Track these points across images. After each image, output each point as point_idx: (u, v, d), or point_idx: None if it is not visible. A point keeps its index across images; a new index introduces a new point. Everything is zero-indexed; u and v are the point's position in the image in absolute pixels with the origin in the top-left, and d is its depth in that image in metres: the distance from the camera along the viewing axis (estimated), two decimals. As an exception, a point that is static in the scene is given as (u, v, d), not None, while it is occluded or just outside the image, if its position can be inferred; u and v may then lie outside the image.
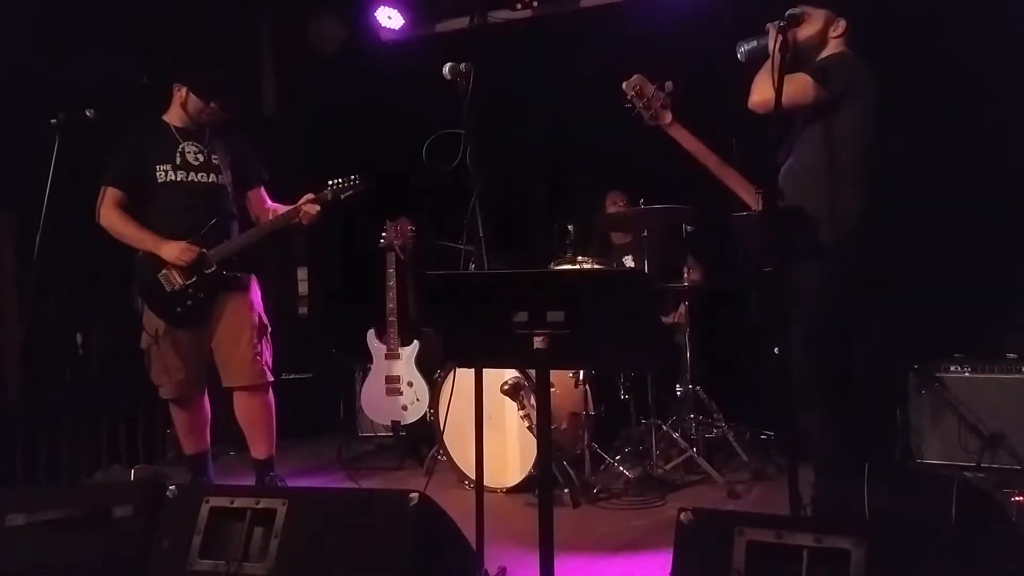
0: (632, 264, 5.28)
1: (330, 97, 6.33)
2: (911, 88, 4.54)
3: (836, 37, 3.31)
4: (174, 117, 4.16)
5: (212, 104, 4.10)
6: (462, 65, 3.28)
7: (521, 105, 5.81)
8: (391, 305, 5.19)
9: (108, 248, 4.16)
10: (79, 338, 4.96)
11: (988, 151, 4.64)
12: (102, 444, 5.08)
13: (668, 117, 3.43)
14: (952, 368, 4.44)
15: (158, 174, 4.05)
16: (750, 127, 3.35)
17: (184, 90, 4.11)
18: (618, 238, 5.70)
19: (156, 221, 4.06)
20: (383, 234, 5.23)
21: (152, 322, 4.08)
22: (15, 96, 4.52)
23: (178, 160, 4.07)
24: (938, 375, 4.46)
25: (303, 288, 6.65)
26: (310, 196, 4.14)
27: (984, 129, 4.64)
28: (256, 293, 4.25)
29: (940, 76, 4.70)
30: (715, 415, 4.87)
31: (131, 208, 4.08)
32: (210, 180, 4.12)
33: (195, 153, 4.11)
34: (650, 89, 3.42)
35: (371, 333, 5.32)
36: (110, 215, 4.05)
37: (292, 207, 4.16)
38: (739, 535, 2.04)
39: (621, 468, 4.38)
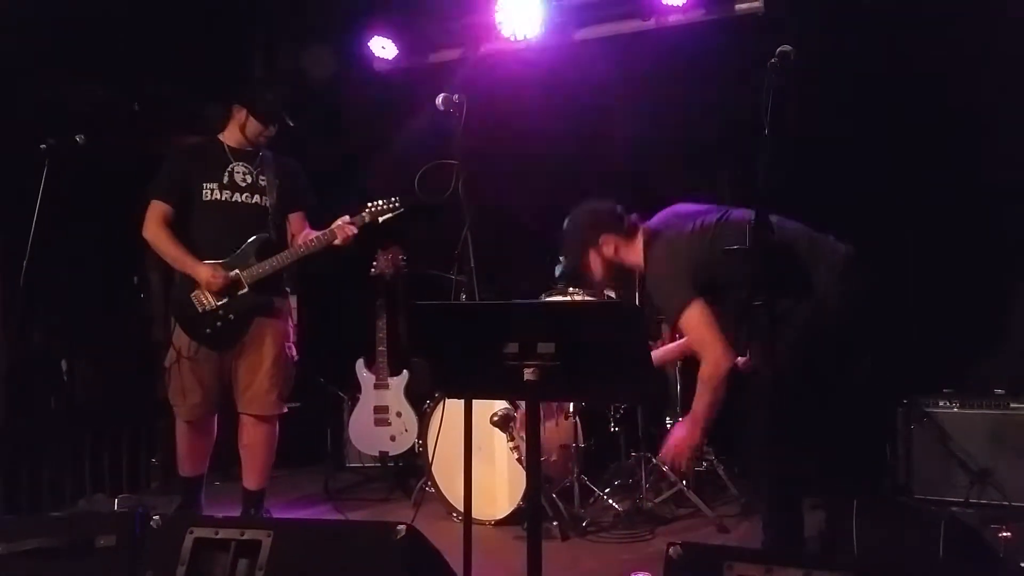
0: (612, 296, 5.30)
1: (323, 125, 6.35)
2: (901, 129, 4.60)
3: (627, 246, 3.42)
4: (230, 137, 4.17)
5: (271, 127, 4.12)
6: (455, 96, 3.31)
7: (514, 136, 5.84)
8: (381, 335, 5.18)
9: (94, 275, 4.15)
10: (64, 365, 4.93)
11: (977, 187, 4.68)
12: (85, 473, 5.02)
13: None
14: (941, 403, 4.44)
15: (204, 192, 4.06)
16: (741, 159, 3.37)
17: (244, 112, 4.12)
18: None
19: (197, 238, 4.07)
20: (374, 263, 5.23)
21: (180, 340, 4.06)
22: (4, 121, 4.52)
23: (225, 180, 4.08)
24: (927, 410, 4.46)
25: (292, 316, 6.62)
26: (346, 218, 4.13)
27: (972, 166, 4.68)
28: (289, 319, 4.24)
29: (929, 117, 4.75)
30: (705, 448, 4.85)
31: (176, 223, 4.09)
32: (253, 201, 4.12)
33: (243, 174, 4.12)
34: None
35: (360, 363, 5.30)
36: (155, 230, 4.05)
37: (327, 230, 4.12)
38: (728, 570, 2.02)
39: (610, 501, 4.36)
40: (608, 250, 3.45)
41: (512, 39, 5.95)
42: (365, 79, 6.45)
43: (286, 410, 4.21)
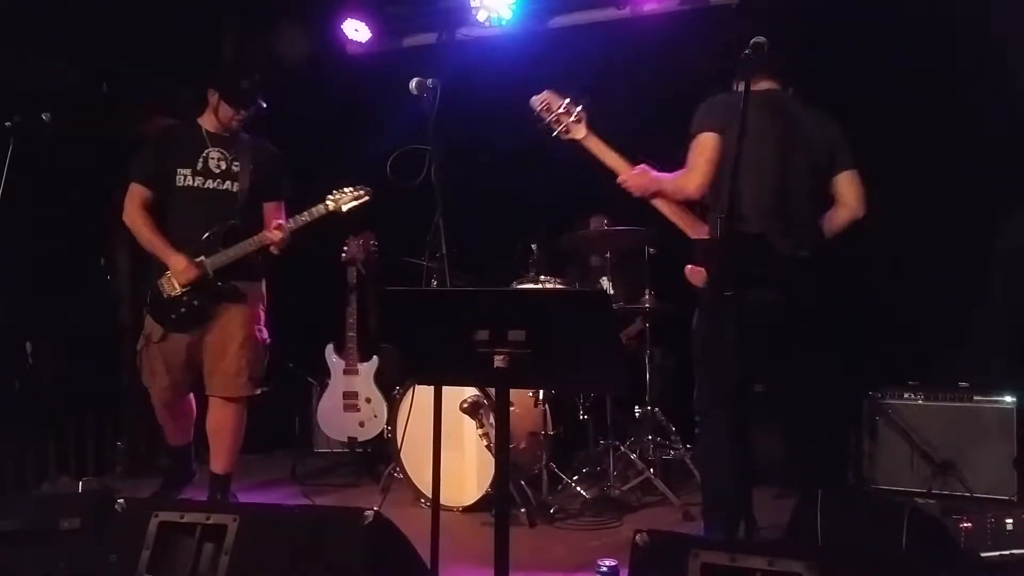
0: (609, 286, 5.31)
1: (294, 108, 6.29)
2: (865, 121, 4.62)
3: None
4: (207, 122, 4.17)
5: (242, 112, 4.12)
6: (429, 81, 3.28)
7: (488, 122, 5.83)
8: (351, 320, 5.16)
9: (61, 256, 4.10)
10: (28, 347, 4.87)
11: (943, 182, 4.73)
12: (50, 455, 4.97)
13: (582, 131, 3.46)
14: (906, 395, 4.50)
15: (178, 177, 4.08)
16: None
17: (216, 96, 4.12)
18: (595, 260, 5.70)
19: (170, 224, 4.10)
20: (345, 248, 5.20)
21: (149, 325, 4.11)
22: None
23: (199, 166, 4.09)
24: (892, 402, 4.52)
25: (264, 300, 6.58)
26: (279, 222, 4.12)
27: (941, 161, 4.73)
28: (258, 304, 4.24)
29: (901, 110, 4.79)
30: (673, 437, 4.89)
31: (153, 207, 4.10)
32: (224, 188, 4.12)
33: (218, 160, 4.13)
34: (559, 103, 3.45)
35: (330, 348, 5.28)
36: (133, 216, 4.09)
37: (261, 234, 4.10)
38: (693, 558, 2.05)
39: (578, 488, 4.38)
40: None
41: (487, 24, 5.94)
42: (338, 62, 6.40)
43: (257, 392, 4.20)
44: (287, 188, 4.33)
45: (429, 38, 6.32)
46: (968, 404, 4.37)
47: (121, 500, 2.50)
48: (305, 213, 4.13)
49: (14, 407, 4.71)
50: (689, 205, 3.41)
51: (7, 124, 3.61)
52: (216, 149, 4.13)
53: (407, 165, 3.33)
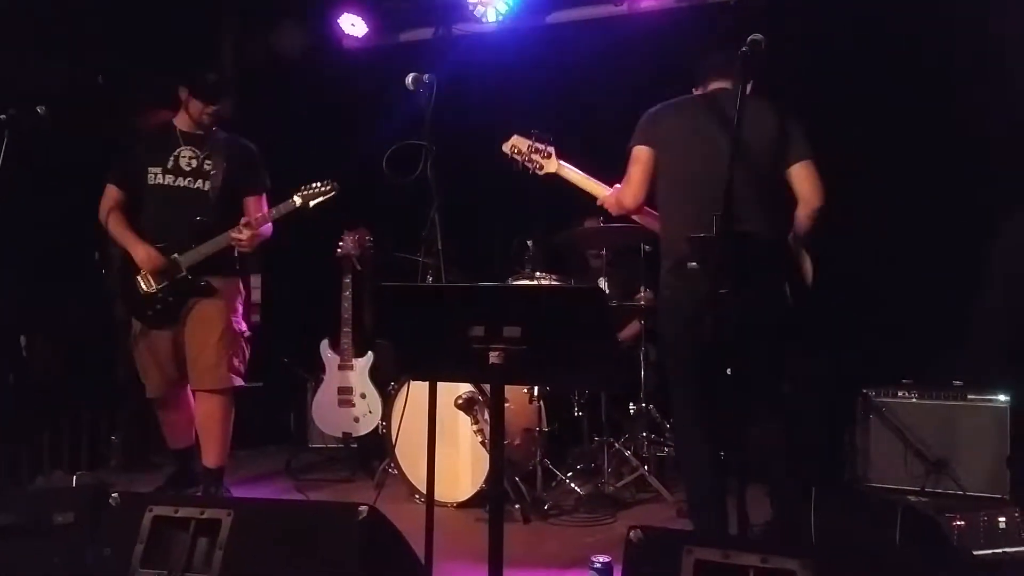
0: (605, 285, 5.32)
1: (291, 103, 6.29)
2: (864, 121, 4.64)
3: None
4: (181, 121, 4.24)
5: (212, 107, 4.17)
6: (425, 76, 3.28)
7: (484, 118, 5.82)
8: (346, 315, 5.15)
9: (56, 250, 4.11)
10: (23, 341, 4.86)
11: (940, 181, 4.73)
12: (44, 449, 4.97)
13: (554, 165, 3.62)
14: (900, 393, 4.51)
15: (149, 175, 4.16)
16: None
17: (186, 92, 4.18)
18: (595, 262, 5.69)
19: (143, 221, 4.17)
20: (340, 243, 5.19)
21: (134, 322, 4.21)
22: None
23: (170, 164, 4.16)
24: (886, 400, 4.52)
25: (256, 296, 6.56)
26: (244, 220, 4.15)
27: (937, 159, 4.74)
28: (235, 297, 4.27)
29: (898, 107, 4.80)
30: (667, 434, 4.90)
31: (129, 207, 4.20)
32: (195, 186, 4.17)
33: (189, 159, 4.19)
34: (526, 143, 3.63)
35: (325, 343, 5.27)
36: (104, 213, 4.18)
37: (226, 233, 4.13)
38: (687, 554, 2.05)
39: (573, 485, 4.39)
40: None
41: (484, 20, 5.93)
42: (334, 57, 6.39)
43: (239, 383, 4.23)
44: (263, 182, 4.37)
45: (425, 33, 6.32)
46: (962, 403, 4.37)
47: (115, 494, 2.51)
48: (273, 209, 4.19)
49: (8, 401, 4.70)
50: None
51: (2, 117, 3.61)
52: (188, 148, 4.20)
53: (403, 160, 3.33)
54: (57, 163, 4.74)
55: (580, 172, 3.59)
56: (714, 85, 3.43)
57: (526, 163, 3.63)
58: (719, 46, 3.17)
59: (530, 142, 3.62)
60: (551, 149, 3.60)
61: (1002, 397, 4.30)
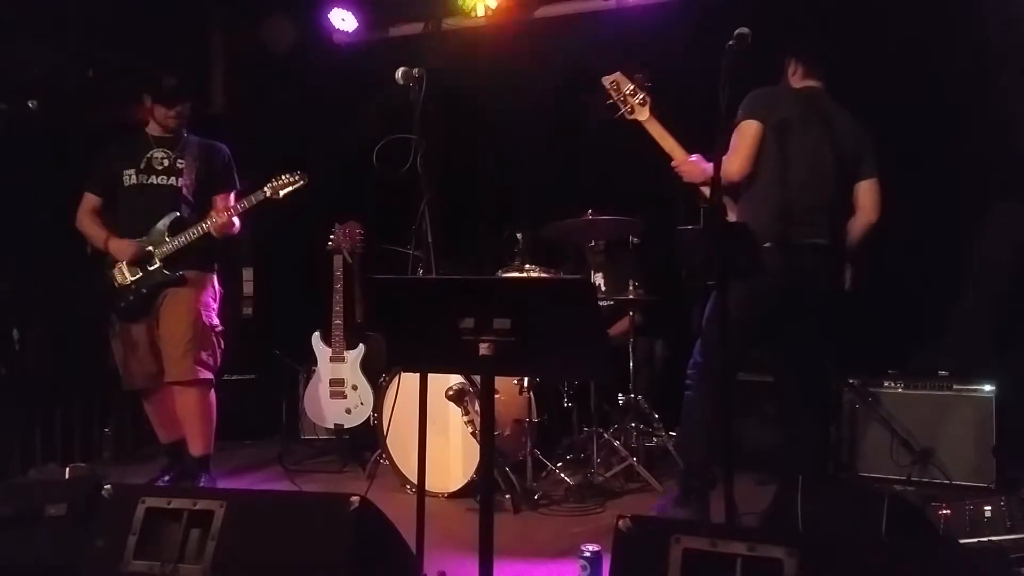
0: (601, 280, 5.34)
1: (281, 97, 6.28)
2: (862, 118, 4.65)
3: None
4: (152, 127, 4.38)
5: (174, 108, 4.29)
6: (415, 70, 3.29)
7: (474, 112, 5.83)
8: (337, 308, 5.17)
9: (48, 243, 4.12)
10: (16, 333, 4.85)
11: (929, 174, 4.75)
12: (37, 441, 4.98)
13: (645, 114, 3.66)
14: (886, 384, 4.55)
15: (124, 178, 4.30)
16: (701, 142, 3.45)
17: (149, 99, 4.30)
18: (591, 257, 5.69)
19: (120, 220, 4.32)
20: (331, 236, 5.21)
21: (112, 316, 4.29)
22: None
23: (143, 164, 4.28)
24: (872, 390, 4.57)
25: (248, 288, 6.59)
26: (215, 209, 4.30)
27: (926, 152, 4.76)
28: (207, 292, 4.37)
29: (888, 100, 4.82)
30: (656, 424, 4.93)
31: (106, 211, 4.36)
32: (168, 183, 4.28)
33: (161, 158, 4.31)
34: (628, 86, 3.67)
35: (316, 335, 5.28)
36: (81, 218, 4.36)
37: (203, 221, 4.25)
38: (675, 543, 2.07)
39: (562, 475, 4.41)
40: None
41: (473, 15, 5.94)
42: (324, 51, 6.39)
43: (206, 376, 4.29)
44: (231, 182, 4.49)
45: (415, 28, 6.32)
46: (948, 392, 4.42)
47: (108, 486, 2.52)
48: (244, 199, 4.28)
49: (1, 393, 4.71)
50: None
51: (-7, 110, 3.62)
52: (160, 149, 4.33)
53: (393, 154, 3.34)
54: (48, 155, 4.74)
55: (665, 130, 3.65)
56: (808, 83, 3.67)
57: (620, 103, 3.68)
58: (803, 41, 3.38)
59: (633, 85, 3.67)
60: (648, 98, 3.66)
61: (987, 387, 4.34)
